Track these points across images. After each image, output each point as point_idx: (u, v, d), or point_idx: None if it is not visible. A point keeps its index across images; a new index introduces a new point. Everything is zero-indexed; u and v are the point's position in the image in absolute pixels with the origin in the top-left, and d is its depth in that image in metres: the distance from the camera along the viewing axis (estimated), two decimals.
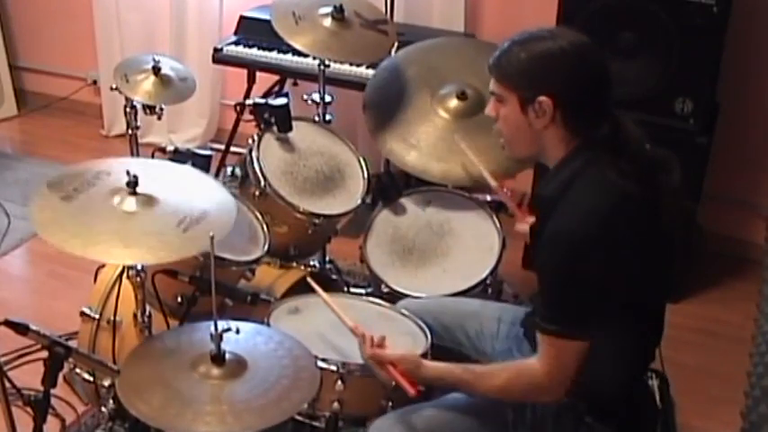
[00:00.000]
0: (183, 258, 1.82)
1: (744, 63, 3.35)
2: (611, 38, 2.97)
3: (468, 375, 1.83)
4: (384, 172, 3.36)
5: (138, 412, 1.64)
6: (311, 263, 2.84)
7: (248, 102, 2.67)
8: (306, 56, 3.22)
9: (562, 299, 1.73)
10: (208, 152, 2.43)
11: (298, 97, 2.97)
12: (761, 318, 2.49)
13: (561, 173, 1.77)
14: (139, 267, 2.17)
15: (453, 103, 2.68)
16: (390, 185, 2.70)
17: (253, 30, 3.62)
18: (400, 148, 2.67)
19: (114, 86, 2.46)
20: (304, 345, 1.88)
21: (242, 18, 3.73)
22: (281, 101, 2.61)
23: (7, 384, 1.87)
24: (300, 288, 2.55)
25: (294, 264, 2.68)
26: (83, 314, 2.48)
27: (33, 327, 1.69)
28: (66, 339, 1.78)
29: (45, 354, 1.71)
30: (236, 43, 3.65)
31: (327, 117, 2.91)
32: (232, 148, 3.77)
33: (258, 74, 3.69)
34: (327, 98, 2.92)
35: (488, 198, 2.70)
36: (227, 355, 1.74)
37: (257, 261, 2.35)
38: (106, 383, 2.40)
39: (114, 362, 2.27)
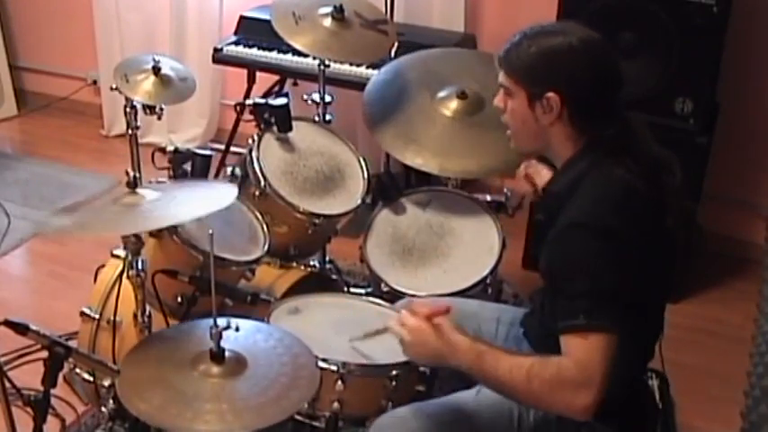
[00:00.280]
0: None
1: (744, 63, 3.35)
2: (612, 38, 2.95)
3: (495, 349, 1.72)
4: (384, 172, 3.35)
5: (137, 411, 1.64)
6: (311, 263, 2.84)
7: (248, 102, 2.67)
8: (306, 56, 3.22)
9: (582, 288, 1.64)
10: (208, 152, 2.43)
11: (298, 97, 2.97)
12: (761, 318, 2.49)
13: (569, 171, 1.77)
14: (140, 267, 2.17)
15: (453, 103, 2.68)
16: (390, 185, 2.70)
17: (253, 30, 3.63)
18: (400, 143, 2.66)
19: (114, 86, 2.46)
20: (303, 342, 1.88)
21: (242, 18, 3.73)
22: (281, 101, 2.61)
23: (7, 384, 1.87)
24: (300, 288, 2.55)
25: (294, 264, 2.68)
26: (83, 314, 2.48)
27: (33, 327, 1.69)
28: (67, 339, 1.78)
29: (45, 354, 1.71)
30: (236, 43, 3.65)
31: (327, 117, 2.91)
32: (232, 148, 3.77)
33: (258, 74, 3.69)
34: (327, 98, 2.92)
35: (488, 198, 2.70)
36: (227, 353, 1.73)
37: (257, 261, 2.35)
38: (106, 383, 2.40)
39: (114, 362, 2.27)
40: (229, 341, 1.75)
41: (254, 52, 3.60)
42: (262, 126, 2.61)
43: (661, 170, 1.76)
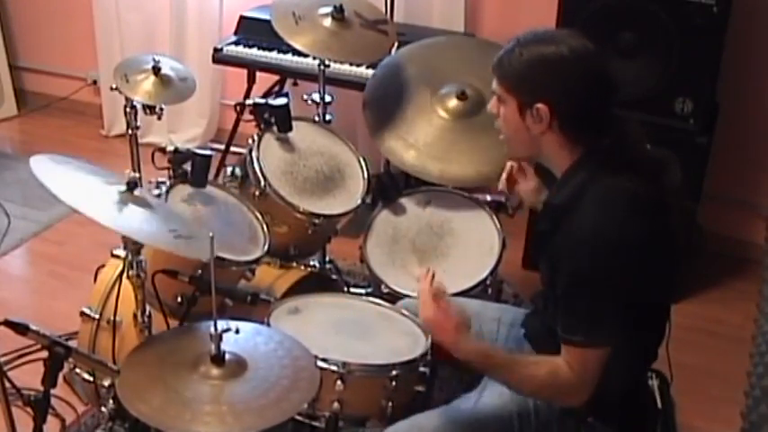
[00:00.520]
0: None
1: (744, 63, 3.35)
2: (612, 38, 2.97)
3: (509, 360, 1.80)
4: (384, 172, 3.35)
5: (137, 412, 1.64)
6: (311, 263, 2.84)
7: (248, 102, 2.67)
8: (306, 56, 3.22)
9: (584, 306, 1.69)
10: (208, 152, 2.43)
11: (298, 97, 2.97)
12: (761, 318, 2.49)
13: (570, 181, 1.76)
14: (140, 267, 2.17)
15: (453, 103, 2.68)
16: (390, 185, 2.70)
17: (253, 30, 3.62)
18: (399, 147, 2.67)
19: (114, 86, 2.46)
20: (304, 345, 1.88)
21: (242, 18, 3.73)
22: (281, 101, 2.61)
23: (7, 384, 1.87)
24: (300, 288, 2.55)
25: (294, 264, 2.68)
26: (83, 314, 2.48)
27: (33, 327, 1.69)
28: (67, 339, 1.78)
29: (45, 354, 1.71)
30: (236, 43, 3.65)
31: (327, 117, 2.91)
32: (232, 148, 3.77)
33: (258, 74, 3.69)
34: (327, 98, 2.92)
35: (488, 198, 2.70)
36: (227, 356, 1.74)
37: (257, 261, 2.35)
38: (106, 383, 2.40)
39: (114, 362, 2.27)
40: (229, 343, 1.75)
41: (254, 52, 3.59)
42: (262, 126, 2.61)
43: (660, 171, 1.76)
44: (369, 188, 2.68)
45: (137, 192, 1.89)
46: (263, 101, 2.63)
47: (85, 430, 2.62)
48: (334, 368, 1.98)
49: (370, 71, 3.24)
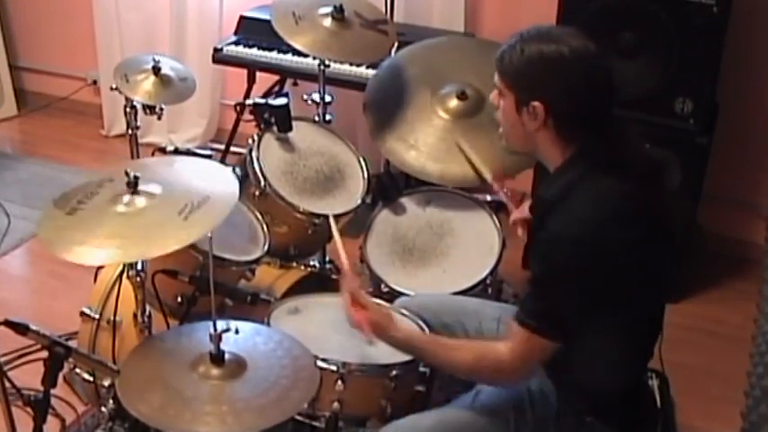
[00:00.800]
0: (184, 246, 1.76)
1: (744, 63, 3.34)
2: (612, 38, 2.97)
3: (435, 346, 1.86)
4: (384, 172, 3.35)
5: (137, 412, 1.64)
6: (311, 263, 2.84)
7: (248, 102, 2.67)
8: (306, 56, 3.22)
9: (548, 298, 1.72)
10: (208, 152, 2.42)
11: (298, 97, 2.97)
12: (761, 318, 2.49)
13: (561, 178, 1.77)
14: (139, 267, 2.17)
15: (453, 103, 2.68)
16: (390, 185, 2.70)
17: (253, 30, 3.62)
18: (399, 148, 2.67)
19: (114, 86, 2.46)
20: (303, 345, 1.88)
21: (242, 18, 3.73)
22: (281, 101, 2.61)
23: (7, 384, 1.87)
24: (300, 288, 2.55)
25: (294, 264, 2.68)
26: (83, 314, 2.48)
27: (33, 327, 1.69)
28: (67, 339, 1.78)
29: (45, 354, 1.71)
30: (236, 43, 3.65)
31: (327, 117, 2.91)
32: (232, 148, 3.77)
33: (258, 74, 3.69)
34: (327, 98, 2.92)
35: (488, 198, 2.70)
36: (227, 356, 1.74)
37: (257, 261, 2.35)
38: (106, 383, 2.39)
39: (114, 362, 2.27)
40: (229, 343, 1.76)
41: (254, 52, 3.59)
42: (262, 126, 2.61)
43: (657, 173, 1.76)
44: (369, 188, 2.68)
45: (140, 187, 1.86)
46: (263, 101, 2.63)
47: (85, 430, 2.62)
48: (334, 368, 1.98)
49: (371, 71, 3.24)
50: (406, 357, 2.06)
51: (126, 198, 1.81)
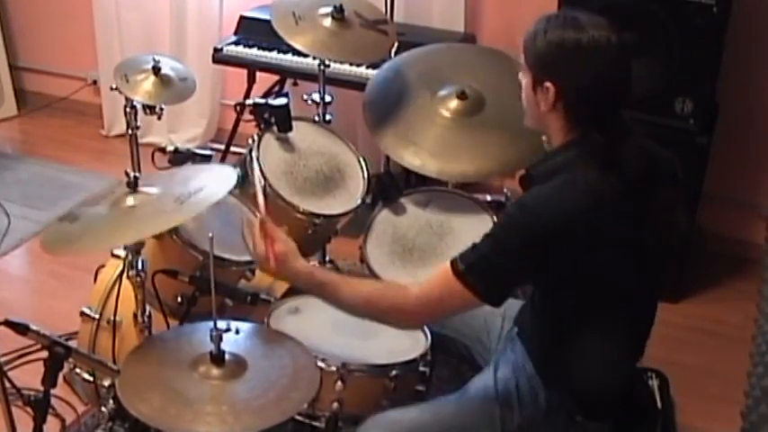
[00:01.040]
0: (179, 223, 1.83)
1: (744, 63, 3.35)
2: None
3: (335, 278, 1.89)
4: (384, 172, 3.35)
5: (137, 412, 1.64)
6: (311, 263, 2.84)
7: (248, 102, 2.66)
8: (306, 56, 3.22)
9: (489, 252, 1.73)
10: (208, 152, 2.43)
11: (298, 97, 2.96)
12: (761, 318, 2.49)
13: (552, 159, 1.81)
14: (140, 267, 2.17)
15: (453, 102, 2.67)
16: (390, 185, 2.69)
17: (253, 30, 3.63)
18: (399, 145, 2.66)
19: (114, 86, 2.46)
20: (304, 345, 1.88)
21: (242, 18, 3.73)
22: (281, 101, 2.60)
23: (7, 384, 1.87)
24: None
25: None
26: (83, 314, 2.48)
27: (33, 327, 1.69)
28: (67, 339, 1.78)
29: (45, 354, 1.71)
30: (236, 43, 3.65)
31: (327, 117, 2.91)
32: (232, 148, 3.77)
33: (258, 74, 3.69)
34: (327, 98, 2.92)
35: (488, 198, 2.70)
36: (227, 356, 1.74)
37: None
38: (106, 383, 2.40)
39: (114, 362, 2.27)
40: (229, 343, 1.76)
41: (254, 52, 3.59)
42: (262, 126, 2.61)
43: (653, 179, 1.75)
44: (369, 188, 2.68)
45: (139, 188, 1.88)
46: (263, 101, 2.63)
47: (85, 430, 2.62)
48: (334, 368, 1.99)
49: (370, 71, 3.24)
50: (406, 357, 2.06)
51: (128, 199, 1.84)
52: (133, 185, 1.84)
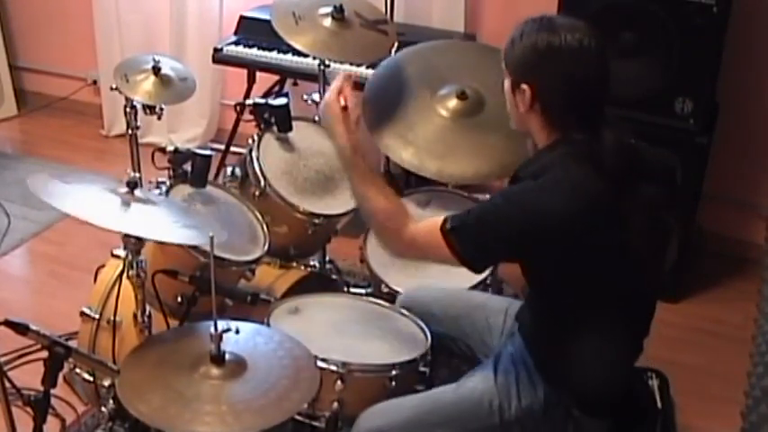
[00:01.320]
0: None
1: (744, 63, 3.34)
2: (612, 38, 2.96)
3: (372, 174, 1.98)
4: (384, 172, 3.36)
5: (137, 412, 1.64)
6: (311, 263, 2.84)
7: (248, 102, 2.67)
8: (306, 56, 3.22)
9: (476, 220, 1.80)
10: (208, 152, 2.43)
11: (298, 97, 2.96)
12: (761, 318, 2.49)
13: (539, 160, 1.83)
14: (140, 267, 2.17)
15: (453, 102, 2.67)
16: (390, 185, 2.69)
17: (253, 30, 3.62)
18: (398, 144, 2.66)
19: (114, 86, 2.46)
20: (304, 345, 1.89)
21: (242, 18, 3.73)
22: (281, 101, 2.61)
23: (7, 384, 1.87)
24: (300, 288, 2.55)
25: (294, 264, 2.68)
26: (83, 314, 2.48)
27: (33, 327, 1.69)
28: (67, 339, 1.78)
29: (45, 354, 1.71)
30: (236, 43, 3.65)
31: None
32: (232, 148, 3.77)
33: (258, 74, 3.69)
34: None
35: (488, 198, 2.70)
36: (227, 356, 1.74)
37: (257, 261, 2.35)
38: (106, 383, 2.40)
39: (114, 362, 2.27)
40: (230, 344, 1.76)
41: (254, 52, 3.59)
42: (262, 126, 2.61)
43: (631, 184, 1.76)
44: None
45: (137, 192, 1.88)
46: (263, 101, 2.63)
47: (85, 430, 2.62)
48: (334, 368, 1.99)
49: (371, 71, 3.24)
50: (406, 357, 2.06)
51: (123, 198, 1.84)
52: (133, 186, 1.84)
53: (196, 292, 2.20)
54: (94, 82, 4.63)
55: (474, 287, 2.47)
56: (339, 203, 2.63)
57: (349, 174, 2.01)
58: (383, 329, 2.20)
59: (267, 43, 3.54)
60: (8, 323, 1.66)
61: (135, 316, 2.25)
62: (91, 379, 2.46)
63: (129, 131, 2.56)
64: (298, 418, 2.01)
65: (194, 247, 2.18)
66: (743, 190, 3.55)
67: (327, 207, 2.59)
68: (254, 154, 2.54)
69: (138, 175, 1.93)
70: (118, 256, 2.47)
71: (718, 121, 3.29)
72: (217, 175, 3.47)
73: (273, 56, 3.55)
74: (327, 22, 2.71)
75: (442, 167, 2.62)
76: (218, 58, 3.67)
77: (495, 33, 3.63)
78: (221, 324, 1.74)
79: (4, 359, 2.60)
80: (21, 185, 3.98)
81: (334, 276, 2.97)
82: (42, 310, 3.18)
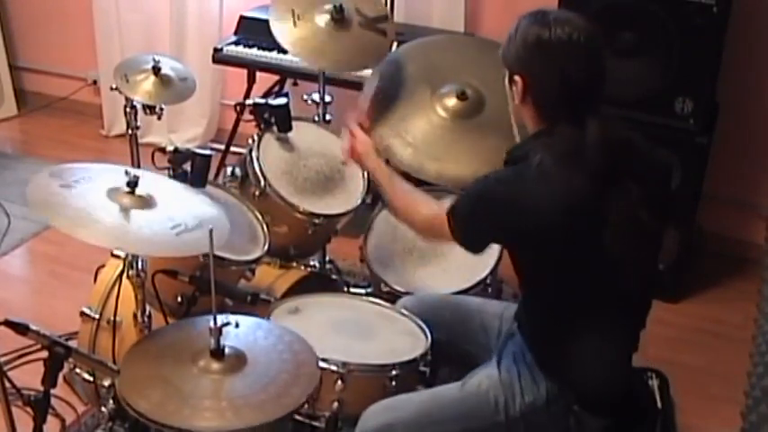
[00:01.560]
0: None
1: (744, 63, 3.35)
2: (612, 38, 2.96)
3: (396, 179, 2.17)
4: None
5: (136, 408, 1.64)
6: (311, 263, 2.84)
7: (248, 102, 2.66)
8: None
9: (467, 201, 1.90)
10: (208, 152, 2.42)
11: (298, 97, 2.96)
12: (761, 318, 2.49)
13: (527, 144, 1.88)
14: (140, 267, 2.17)
15: (453, 102, 2.67)
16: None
17: (253, 30, 3.62)
18: (397, 145, 2.66)
19: (114, 86, 2.46)
20: (304, 340, 1.88)
21: (242, 18, 3.73)
22: (281, 101, 2.61)
23: (7, 384, 1.86)
24: (300, 288, 2.55)
25: (294, 264, 2.68)
26: (83, 314, 2.48)
27: (33, 327, 1.68)
28: (67, 339, 1.78)
29: (45, 354, 1.71)
30: (236, 43, 3.65)
31: (327, 117, 2.91)
32: (232, 148, 3.77)
33: (258, 74, 3.69)
34: (327, 98, 2.91)
35: None
36: (227, 350, 1.73)
37: (257, 261, 2.35)
38: (106, 383, 2.40)
39: (114, 362, 2.27)
40: (229, 338, 1.75)
41: (254, 52, 3.60)
42: (262, 126, 2.61)
43: (615, 183, 1.76)
44: (369, 188, 2.68)
45: (137, 190, 1.87)
46: (263, 101, 2.63)
47: (85, 430, 2.62)
48: (334, 368, 1.99)
49: (371, 71, 3.24)
50: (406, 357, 2.06)
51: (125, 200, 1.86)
52: (133, 186, 1.84)
53: (196, 291, 2.20)
54: (94, 82, 4.63)
55: (474, 287, 2.48)
56: (339, 203, 2.63)
57: (380, 185, 2.22)
58: (383, 329, 2.20)
59: (267, 43, 3.54)
60: (8, 323, 1.66)
61: (135, 316, 2.25)
62: (91, 379, 2.46)
63: (129, 131, 2.55)
64: (298, 417, 2.01)
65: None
66: (743, 190, 3.55)
67: (327, 207, 2.59)
68: (254, 154, 2.54)
69: (138, 175, 1.92)
70: (118, 256, 2.47)
71: (718, 121, 3.30)
72: (217, 175, 3.48)
73: (273, 56, 3.55)
74: (326, 22, 2.69)
75: (442, 169, 2.61)
76: (218, 58, 3.67)
77: (496, 33, 3.61)
78: (221, 318, 1.73)
79: (4, 359, 2.60)
80: (21, 185, 3.98)
81: (334, 276, 2.97)
82: (42, 310, 3.18)
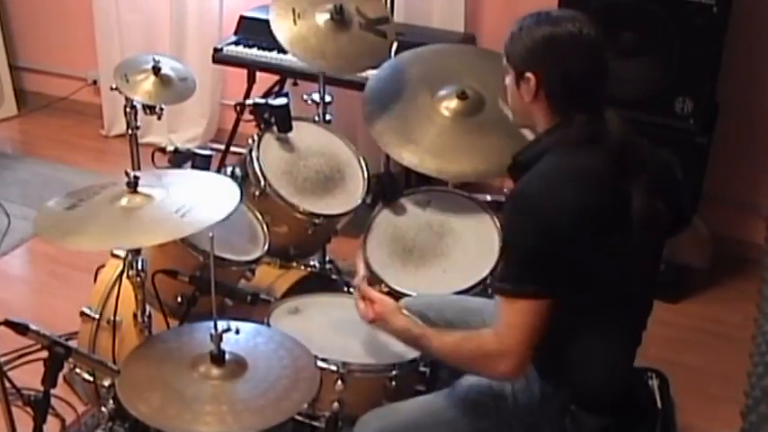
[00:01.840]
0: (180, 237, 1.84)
1: (744, 63, 3.35)
2: (612, 38, 2.96)
3: (428, 332, 1.89)
4: (384, 172, 3.35)
5: (137, 412, 1.64)
6: (311, 263, 2.84)
7: (248, 102, 2.66)
8: None
9: (517, 256, 1.76)
10: (208, 152, 2.43)
11: (298, 97, 2.96)
12: (761, 318, 2.49)
13: (538, 144, 1.86)
14: (140, 267, 2.17)
15: (453, 102, 2.67)
16: (390, 185, 2.70)
17: (253, 30, 3.63)
18: (398, 143, 2.66)
19: (114, 86, 2.46)
20: (304, 345, 1.89)
21: (242, 18, 3.73)
22: (281, 101, 2.61)
23: (7, 384, 1.87)
24: (300, 288, 2.55)
25: (294, 264, 2.68)
26: (83, 314, 2.48)
27: (33, 327, 1.69)
28: (67, 339, 1.78)
29: (45, 354, 1.71)
30: (236, 43, 3.65)
31: (327, 117, 2.91)
32: (232, 148, 3.77)
33: (258, 74, 3.69)
34: (327, 98, 2.91)
35: (488, 198, 2.70)
36: (227, 356, 1.74)
37: (257, 261, 2.35)
38: (106, 383, 2.40)
39: (114, 362, 2.27)
40: (230, 343, 1.76)
41: (254, 52, 3.60)
42: (262, 126, 2.61)
43: (632, 166, 1.77)
44: (369, 188, 2.68)
45: (139, 188, 1.88)
46: (263, 101, 2.63)
47: (85, 430, 2.62)
48: (334, 368, 1.99)
49: (371, 71, 3.24)
50: (406, 357, 2.06)
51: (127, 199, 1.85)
52: (133, 185, 1.84)
53: (196, 292, 2.20)
54: (94, 82, 4.64)
55: (474, 287, 2.47)
56: (339, 203, 2.63)
57: (414, 347, 1.99)
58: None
59: (267, 43, 3.54)
60: (8, 323, 1.66)
61: (135, 316, 2.25)
62: (91, 379, 2.46)
63: (129, 131, 2.56)
64: (298, 418, 2.01)
65: (194, 247, 2.18)
66: (743, 190, 3.55)
67: (327, 207, 2.59)
68: (254, 154, 2.54)
69: (138, 174, 1.92)
70: (118, 256, 2.47)
71: (718, 121, 3.30)
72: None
73: (273, 56, 3.55)
74: (325, 22, 2.69)
75: (442, 167, 2.62)
76: (218, 58, 3.67)
77: (495, 33, 3.62)
78: (221, 324, 1.74)
79: (4, 359, 2.60)
80: (21, 185, 4.00)
81: (334, 276, 2.97)
82: (42, 310, 3.18)
